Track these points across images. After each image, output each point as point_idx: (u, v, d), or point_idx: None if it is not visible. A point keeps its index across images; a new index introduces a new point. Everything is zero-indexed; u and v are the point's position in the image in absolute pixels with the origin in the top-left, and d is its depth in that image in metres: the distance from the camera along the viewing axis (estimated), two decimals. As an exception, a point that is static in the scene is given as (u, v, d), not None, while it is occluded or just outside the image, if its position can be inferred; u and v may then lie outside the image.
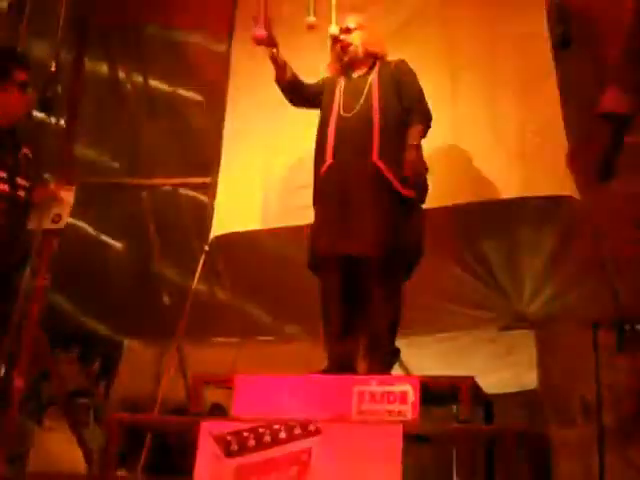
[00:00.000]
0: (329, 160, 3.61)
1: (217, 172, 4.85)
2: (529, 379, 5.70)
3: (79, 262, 5.78)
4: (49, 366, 5.30)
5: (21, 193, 3.23)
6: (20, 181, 3.22)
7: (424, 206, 3.77)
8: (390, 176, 3.52)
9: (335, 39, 3.86)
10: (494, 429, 2.99)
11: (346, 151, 3.59)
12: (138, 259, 5.92)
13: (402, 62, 3.81)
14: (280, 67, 3.82)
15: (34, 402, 5.86)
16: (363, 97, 3.67)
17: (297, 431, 2.97)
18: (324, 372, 3.48)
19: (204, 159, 5.07)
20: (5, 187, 3.13)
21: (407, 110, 3.66)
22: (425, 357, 6.04)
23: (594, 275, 4.92)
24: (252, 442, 2.99)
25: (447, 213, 4.61)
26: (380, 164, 3.53)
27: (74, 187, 5.00)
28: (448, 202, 4.46)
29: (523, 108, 4.42)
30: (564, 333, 5.53)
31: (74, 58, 5.14)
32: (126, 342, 6.58)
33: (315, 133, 3.80)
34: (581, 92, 4.15)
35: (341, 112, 3.68)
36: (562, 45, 4.30)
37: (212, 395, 4.42)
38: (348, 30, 3.84)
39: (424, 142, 3.70)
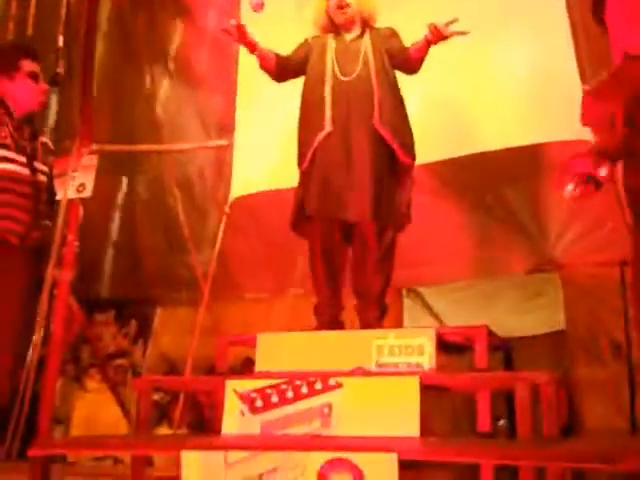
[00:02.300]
0: (329, 127, 3.56)
1: (233, 134, 4.89)
2: (557, 321, 5.71)
3: (108, 229, 5.90)
4: (85, 330, 5.47)
5: (42, 178, 3.30)
6: (39, 166, 3.29)
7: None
8: (391, 142, 3.55)
9: None
10: (509, 376, 3.03)
11: (346, 116, 3.56)
12: (165, 223, 6.01)
13: (391, 30, 3.78)
14: (263, 57, 3.75)
15: (74, 365, 6.06)
16: (360, 61, 3.63)
17: (318, 386, 3.05)
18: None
19: (221, 122, 5.11)
20: (26, 171, 3.20)
21: (399, 61, 3.70)
22: (455, 304, 6.09)
23: (618, 214, 4.91)
24: (275, 398, 3.09)
25: (470, 161, 4.62)
26: (381, 130, 3.54)
27: (96, 155, 5.11)
28: (470, 150, 4.50)
29: (539, 53, 4.39)
30: (590, 273, 5.52)
31: (86, 24, 5.18)
32: (159, 304, 6.70)
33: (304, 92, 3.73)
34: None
35: (338, 75, 3.62)
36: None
37: (245, 351, 4.51)
38: None
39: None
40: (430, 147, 4.59)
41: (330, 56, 3.68)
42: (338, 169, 3.52)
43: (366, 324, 3.57)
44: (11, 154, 3.16)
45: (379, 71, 3.63)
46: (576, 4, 4.33)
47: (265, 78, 3.87)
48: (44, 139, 3.48)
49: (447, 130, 4.66)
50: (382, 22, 3.81)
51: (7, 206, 3.12)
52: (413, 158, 3.67)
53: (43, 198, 3.31)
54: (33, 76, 3.30)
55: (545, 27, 4.39)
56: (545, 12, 4.39)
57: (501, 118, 4.48)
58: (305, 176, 3.65)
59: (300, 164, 3.67)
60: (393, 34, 3.77)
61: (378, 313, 3.62)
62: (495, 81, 4.50)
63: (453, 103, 4.60)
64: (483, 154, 4.52)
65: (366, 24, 3.77)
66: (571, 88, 4.20)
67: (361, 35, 3.73)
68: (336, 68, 3.64)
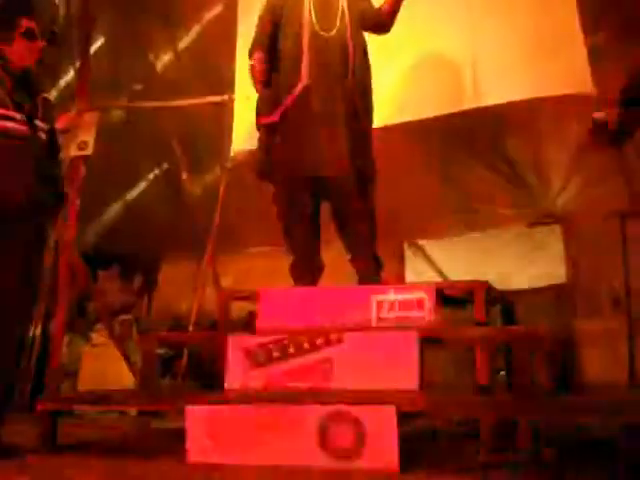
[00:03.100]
0: (305, 80, 3.55)
1: (233, 90, 4.87)
2: (558, 274, 5.75)
3: (111, 185, 5.91)
4: (89, 287, 5.51)
5: (42, 135, 3.27)
6: (39, 123, 3.25)
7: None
8: (360, 106, 3.59)
9: None
10: (507, 330, 3.08)
11: (324, 71, 3.56)
12: (167, 179, 6.02)
13: None
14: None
15: (81, 320, 6.13)
16: (338, 18, 3.63)
17: (319, 341, 3.10)
18: None
19: (220, 78, 5.08)
20: (24, 129, 3.17)
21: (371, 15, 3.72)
22: (456, 257, 6.11)
23: (617, 169, 4.92)
24: (277, 353, 3.14)
25: (471, 116, 4.61)
26: (354, 92, 3.57)
27: (97, 113, 5.10)
28: (471, 105, 4.49)
29: (539, 6, 4.34)
30: (591, 226, 5.54)
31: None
32: (163, 259, 6.74)
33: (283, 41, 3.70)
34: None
35: (317, 29, 3.60)
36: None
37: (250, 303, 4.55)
38: None
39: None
40: (429, 103, 4.60)
41: (308, 7, 3.65)
42: (315, 123, 3.52)
43: (364, 277, 3.60)
44: (10, 112, 3.12)
45: (354, 31, 3.65)
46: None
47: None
48: (45, 95, 3.44)
49: (447, 85, 4.64)
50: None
51: (9, 164, 3.09)
52: (371, 122, 3.71)
53: (44, 155, 3.28)
54: (30, 33, 3.26)
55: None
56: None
57: (501, 72, 4.46)
58: (280, 126, 3.62)
59: (271, 112, 3.63)
60: None
61: (375, 264, 3.66)
62: (494, 35, 4.46)
63: (452, 58, 4.56)
64: (484, 109, 4.50)
65: None
66: (571, 42, 4.17)
67: None
68: (314, 21, 3.61)
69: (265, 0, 3.80)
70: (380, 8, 3.70)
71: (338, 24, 3.62)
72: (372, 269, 3.64)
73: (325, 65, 3.56)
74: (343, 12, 3.65)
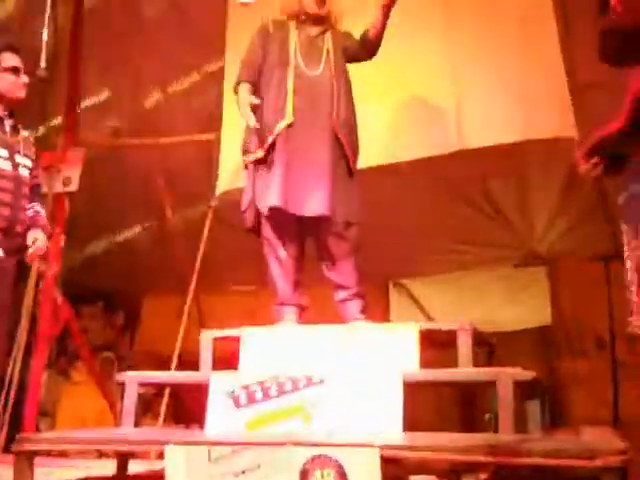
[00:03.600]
0: (289, 118, 3.55)
1: (220, 129, 4.89)
2: (543, 315, 5.76)
3: (93, 222, 5.88)
4: (71, 324, 5.45)
5: (23, 172, 3.26)
6: (20, 159, 3.24)
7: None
8: (346, 146, 3.59)
9: None
10: (491, 372, 3.05)
11: (308, 110, 3.56)
12: (151, 217, 6.00)
13: (348, 32, 3.80)
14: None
15: (61, 357, 6.06)
16: (323, 58, 3.65)
17: (302, 382, 3.07)
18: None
19: (207, 116, 5.10)
20: (7, 165, 3.16)
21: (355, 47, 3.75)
22: (440, 296, 6.12)
23: (601, 212, 4.96)
24: (259, 395, 3.10)
25: (457, 158, 4.66)
26: (339, 132, 3.56)
27: (82, 149, 5.10)
28: (456, 147, 4.54)
29: (524, 51, 4.42)
30: (576, 268, 5.57)
31: (73, 18, 5.16)
32: (146, 296, 6.70)
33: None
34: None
35: (303, 68, 3.62)
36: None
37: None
38: None
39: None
40: (416, 144, 4.64)
41: (293, 47, 3.66)
42: (298, 162, 3.51)
43: (352, 317, 3.57)
44: None
45: (338, 71, 3.66)
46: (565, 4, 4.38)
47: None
48: (25, 133, 3.44)
49: (432, 127, 4.69)
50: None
51: None
52: (356, 163, 3.71)
53: (25, 192, 3.27)
54: (14, 70, 3.25)
55: (532, 27, 4.41)
56: (534, 13, 4.41)
57: (486, 116, 4.52)
58: (262, 166, 3.61)
59: (254, 149, 3.63)
60: (350, 35, 3.79)
61: (363, 305, 3.64)
62: (479, 79, 4.54)
63: (437, 101, 4.61)
64: (470, 151, 4.55)
65: (330, 24, 3.77)
66: (557, 87, 4.24)
67: (324, 33, 3.74)
68: (300, 60, 3.63)
69: (255, 33, 3.80)
70: (365, 33, 3.71)
71: (323, 64, 3.64)
72: (362, 311, 3.61)
73: (309, 104, 3.56)
74: (328, 52, 3.67)
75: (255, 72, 3.70)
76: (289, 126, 3.55)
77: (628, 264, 2.48)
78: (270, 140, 3.55)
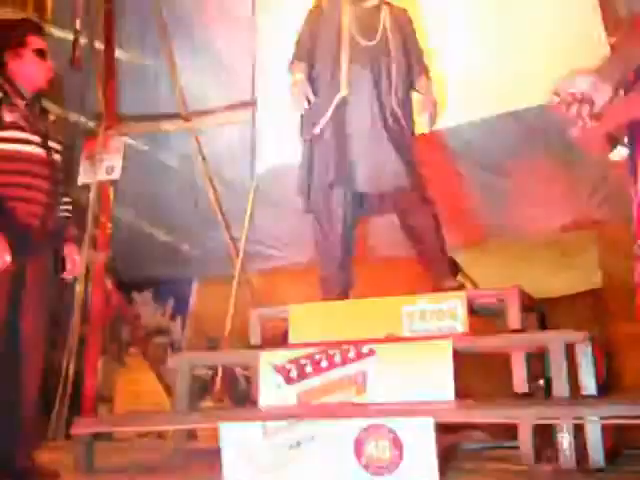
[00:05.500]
0: (344, 90, 3.53)
1: (256, 108, 4.88)
2: (593, 279, 5.65)
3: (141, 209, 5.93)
4: (123, 310, 5.54)
5: (56, 157, 3.26)
6: (53, 145, 3.24)
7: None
8: (402, 118, 3.57)
9: None
10: (542, 335, 3.02)
11: (364, 83, 3.53)
12: (195, 198, 6.01)
13: (405, 12, 3.78)
14: None
15: (115, 344, 6.16)
16: (380, 29, 3.61)
17: (351, 354, 3.07)
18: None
19: (244, 96, 5.09)
20: (42, 152, 3.16)
21: (413, 59, 3.72)
22: (489, 266, 6.04)
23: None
24: (310, 368, 3.11)
25: (500, 121, 4.60)
26: (396, 102, 3.55)
27: (124, 137, 5.15)
28: (498, 110, 4.48)
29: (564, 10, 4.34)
30: (626, 229, 5.45)
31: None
32: (195, 280, 6.74)
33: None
34: None
35: (358, 39, 3.58)
36: None
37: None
38: None
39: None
40: (457, 110, 4.57)
41: (347, 19, 3.62)
42: (356, 136, 3.50)
43: (439, 282, 3.52)
44: (26, 135, 3.11)
45: (397, 45, 3.63)
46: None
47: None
48: (53, 116, 3.43)
49: (474, 91, 4.62)
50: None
51: (26, 189, 3.08)
52: (413, 132, 3.70)
53: (60, 178, 3.29)
54: (40, 53, 3.23)
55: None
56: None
57: (530, 76, 4.44)
58: (317, 142, 3.61)
59: (311, 129, 3.62)
60: (409, 21, 3.76)
61: (449, 269, 3.61)
62: (520, 40, 4.45)
63: (480, 64, 4.53)
64: (512, 113, 4.47)
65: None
66: (596, 46, 4.14)
67: (379, 6, 3.71)
68: (355, 32, 3.59)
69: (308, 10, 3.79)
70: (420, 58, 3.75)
71: (380, 34, 3.60)
72: (448, 272, 3.58)
73: (364, 75, 3.53)
74: (385, 25, 3.64)
75: (309, 50, 3.69)
76: (343, 99, 3.53)
77: None
78: (329, 114, 3.54)
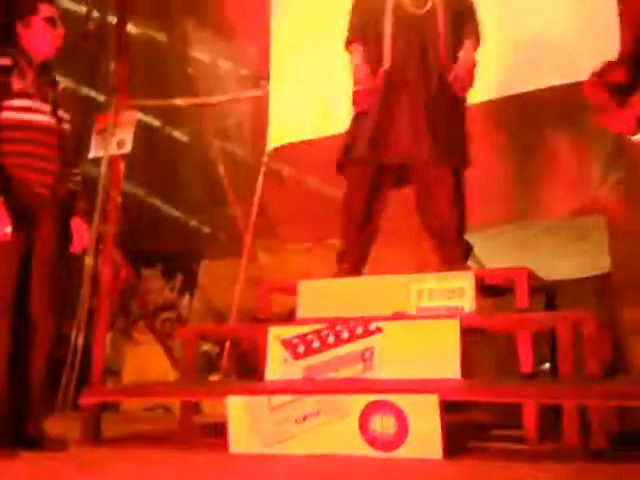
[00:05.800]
0: (387, 63, 3.48)
1: (268, 84, 4.87)
2: (602, 264, 5.64)
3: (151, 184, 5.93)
4: (132, 283, 5.56)
5: (66, 126, 3.26)
6: (62, 114, 3.23)
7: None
8: (454, 85, 3.50)
9: None
10: (550, 315, 3.02)
11: (406, 51, 3.48)
12: (205, 176, 6.02)
13: None
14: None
15: (123, 318, 6.19)
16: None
17: (359, 331, 3.08)
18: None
19: (255, 72, 5.08)
20: (52, 121, 3.16)
21: (462, 21, 3.60)
22: (497, 249, 6.03)
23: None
24: (317, 344, 3.13)
25: (511, 102, 4.56)
26: (447, 72, 3.48)
27: (135, 111, 5.14)
28: (510, 91, 4.44)
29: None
30: (635, 215, 5.43)
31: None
32: (203, 256, 6.76)
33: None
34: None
35: (404, 5, 3.49)
36: None
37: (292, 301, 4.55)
38: None
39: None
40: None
41: None
42: (392, 110, 3.45)
43: (448, 264, 3.49)
44: (36, 104, 3.10)
45: (447, 13, 3.53)
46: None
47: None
48: (63, 85, 3.41)
49: (489, 71, 4.58)
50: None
51: (36, 158, 3.08)
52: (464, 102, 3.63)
53: (70, 147, 3.28)
54: (50, 20, 3.20)
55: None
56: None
57: (541, 57, 4.39)
58: (363, 114, 3.55)
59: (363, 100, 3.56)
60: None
61: (461, 252, 3.57)
62: (534, 20, 4.40)
63: (493, 44, 4.50)
64: (524, 95, 4.44)
65: None
66: (613, 26, 4.10)
67: None
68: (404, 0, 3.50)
69: None
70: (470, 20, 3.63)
71: (430, 3, 3.51)
72: (459, 259, 3.54)
73: (409, 44, 3.47)
74: None
75: (362, 28, 3.61)
76: (385, 72, 3.48)
77: None
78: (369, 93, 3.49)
